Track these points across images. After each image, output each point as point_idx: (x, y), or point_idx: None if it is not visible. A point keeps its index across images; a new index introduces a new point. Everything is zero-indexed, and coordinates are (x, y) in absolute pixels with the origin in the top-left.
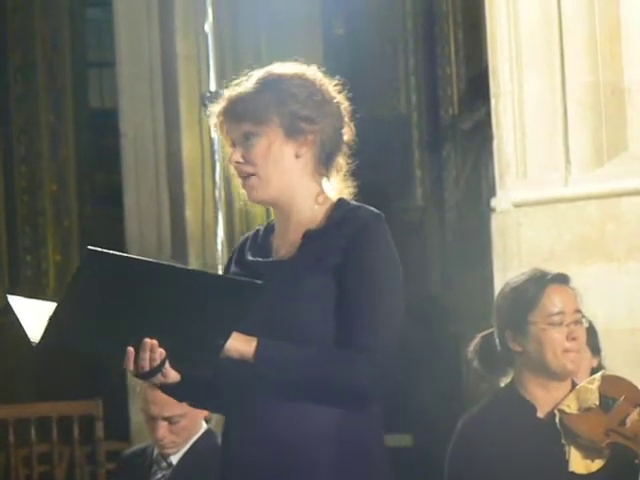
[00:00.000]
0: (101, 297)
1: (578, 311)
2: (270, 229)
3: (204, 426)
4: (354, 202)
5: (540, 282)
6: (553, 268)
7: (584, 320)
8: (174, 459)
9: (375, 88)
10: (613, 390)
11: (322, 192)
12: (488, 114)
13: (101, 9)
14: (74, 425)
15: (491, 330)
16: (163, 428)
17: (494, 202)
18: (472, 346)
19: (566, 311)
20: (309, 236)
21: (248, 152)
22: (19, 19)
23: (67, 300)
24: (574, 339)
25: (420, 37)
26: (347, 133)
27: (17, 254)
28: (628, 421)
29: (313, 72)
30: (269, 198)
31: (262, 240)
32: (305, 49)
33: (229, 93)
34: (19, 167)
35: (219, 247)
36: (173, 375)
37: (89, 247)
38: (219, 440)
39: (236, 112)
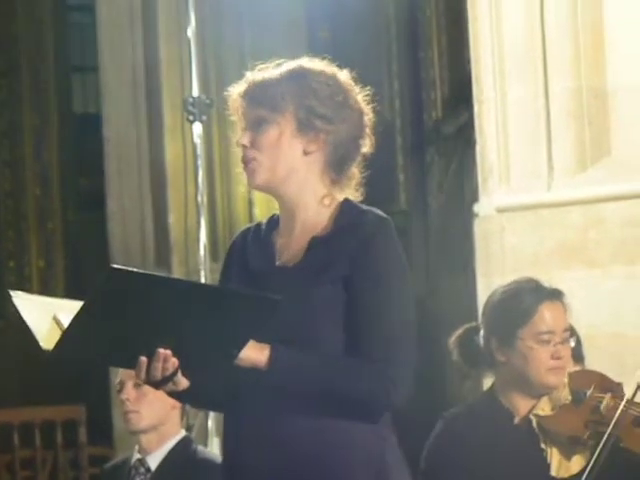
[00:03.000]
0: (117, 312)
1: (567, 330)
2: (273, 224)
3: (182, 432)
4: (360, 205)
5: (533, 297)
6: (536, 273)
7: (572, 340)
8: (152, 464)
9: None
10: (582, 383)
11: (329, 194)
12: (471, 118)
13: (84, 14)
14: (57, 430)
15: (475, 324)
16: (128, 389)
17: (477, 207)
18: (454, 337)
19: (556, 330)
20: (315, 242)
21: (257, 137)
22: (2, 24)
23: (84, 315)
24: (559, 358)
25: (403, 41)
26: (366, 145)
27: (0, 260)
28: (603, 408)
29: (345, 76)
30: (269, 184)
31: (264, 237)
32: (289, 53)
33: (252, 77)
34: (3, 171)
35: (202, 252)
36: (184, 383)
37: (112, 265)
38: (196, 447)
39: (254, 96)
